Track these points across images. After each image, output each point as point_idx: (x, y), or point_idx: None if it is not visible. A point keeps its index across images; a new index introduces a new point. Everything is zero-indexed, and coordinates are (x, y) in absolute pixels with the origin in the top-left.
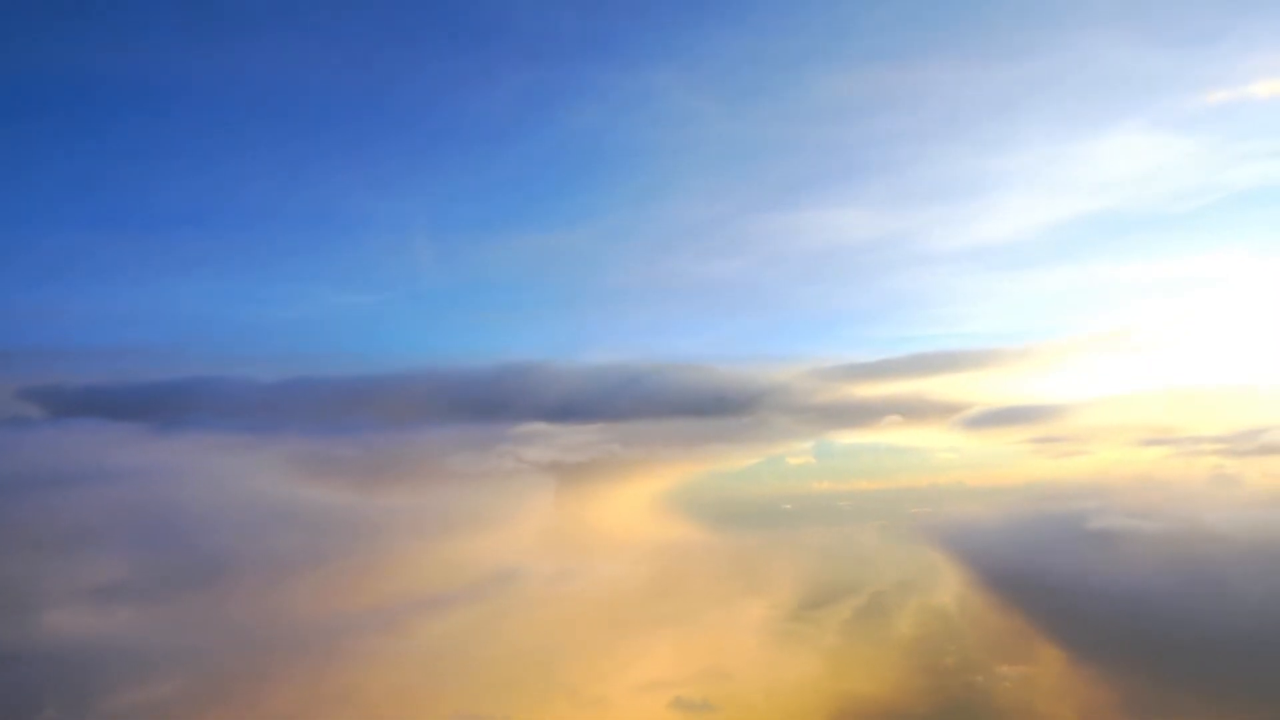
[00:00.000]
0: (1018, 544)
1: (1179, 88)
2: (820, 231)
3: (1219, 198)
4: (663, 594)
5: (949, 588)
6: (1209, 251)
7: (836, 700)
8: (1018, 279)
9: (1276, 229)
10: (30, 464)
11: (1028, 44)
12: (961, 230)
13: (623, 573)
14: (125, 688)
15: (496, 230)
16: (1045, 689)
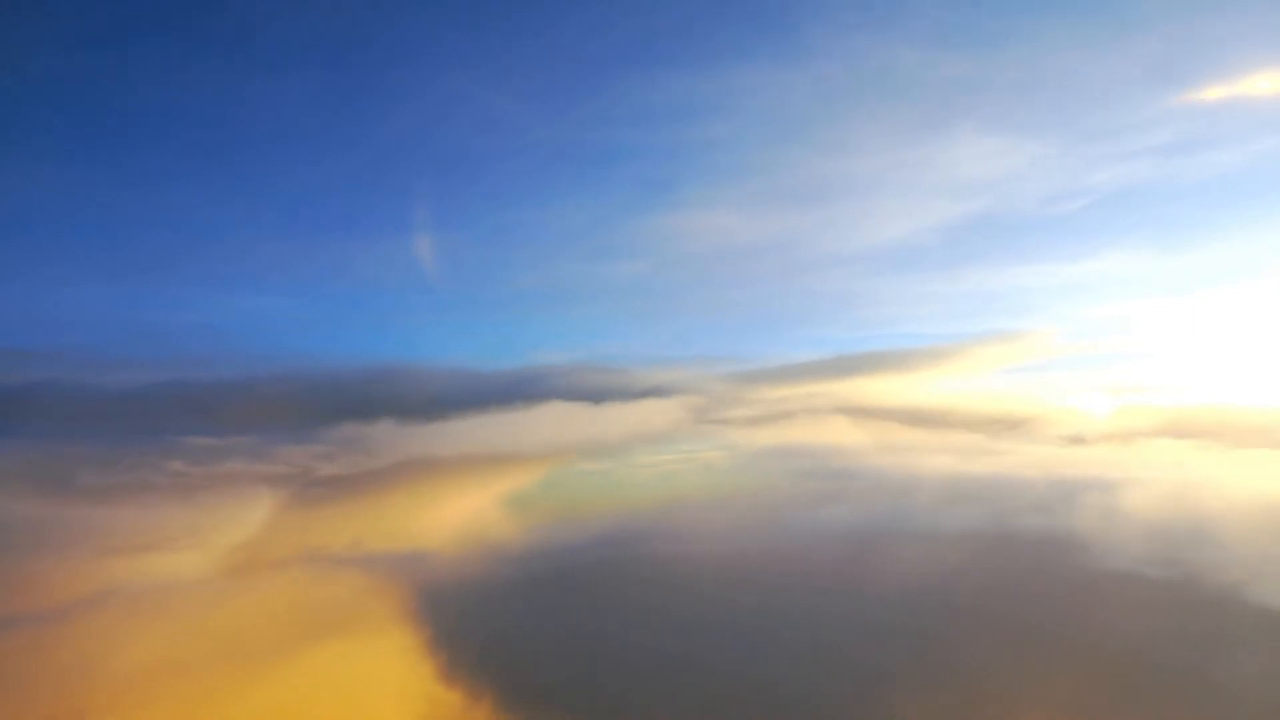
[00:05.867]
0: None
1: (999, 91)
2: (706, 235)
3: (1092, 200)
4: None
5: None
6: (1091, 255)
7: None
8: (913, 281)
9: (1154, 228)
10: None
11: (833, 47)
12: (850, 234)
13: (258, 595)
14: None
15: (363, 231)
16: None
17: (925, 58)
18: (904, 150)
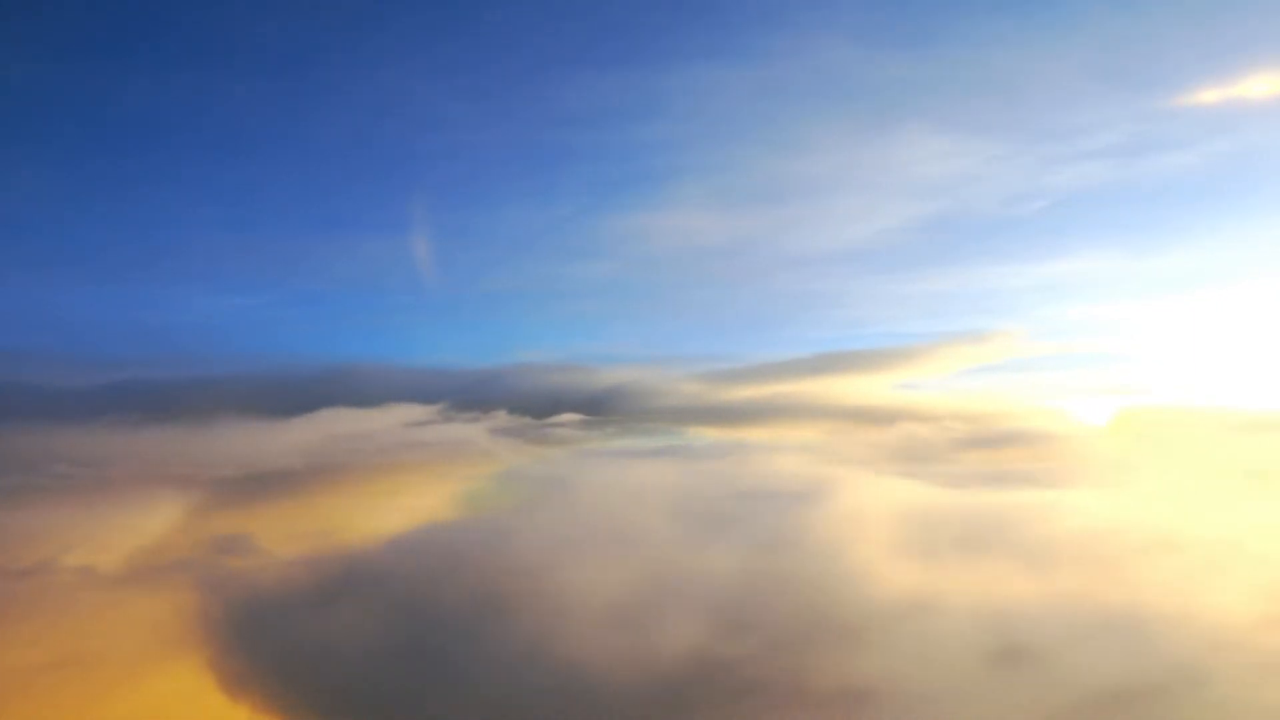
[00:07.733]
0: None
1: (948, 91)
2: (673, 235)
3: (1051, 201)
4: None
5: None
6: (1059, 256)
7: None
8: (879, 282)
9: (1121, 231)
10: None
11: (789, 48)
12: (813, 234)
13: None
14: None
15: (334, 232)
16: None
17: (874, 58)
18: (860, 150)
